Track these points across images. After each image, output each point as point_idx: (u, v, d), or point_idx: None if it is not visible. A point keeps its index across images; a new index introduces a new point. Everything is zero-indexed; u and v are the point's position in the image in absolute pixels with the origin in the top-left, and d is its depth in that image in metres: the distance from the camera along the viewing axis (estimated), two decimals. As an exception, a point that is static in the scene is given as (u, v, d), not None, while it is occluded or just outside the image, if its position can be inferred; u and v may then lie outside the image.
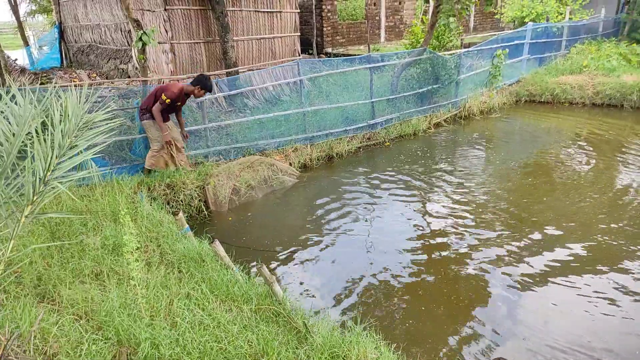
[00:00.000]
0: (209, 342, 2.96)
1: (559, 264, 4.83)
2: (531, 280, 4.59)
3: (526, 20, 14.94)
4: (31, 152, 2.83)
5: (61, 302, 3.45)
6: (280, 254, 5.33)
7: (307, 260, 5.22)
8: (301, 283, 4.75)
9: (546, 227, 5.62)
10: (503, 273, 4.73)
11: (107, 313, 3.20)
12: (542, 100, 11.96)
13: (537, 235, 5.46)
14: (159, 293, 3.56)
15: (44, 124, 3.37)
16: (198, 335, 3.03)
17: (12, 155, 2.91)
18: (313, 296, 4.53)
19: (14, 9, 16.29)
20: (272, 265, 5.07)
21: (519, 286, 4.52)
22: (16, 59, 12.85)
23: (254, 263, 5.02)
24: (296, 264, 5.13)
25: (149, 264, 4.11)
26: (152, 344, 2.89)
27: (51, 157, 2.90)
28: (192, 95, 6.38)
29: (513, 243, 5.30)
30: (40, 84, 9.09)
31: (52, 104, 3.45)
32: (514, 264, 4.88)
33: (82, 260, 4.01)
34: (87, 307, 3.34)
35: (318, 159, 8.16)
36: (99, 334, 3.03)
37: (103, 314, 3.18)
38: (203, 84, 6.20)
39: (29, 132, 3.14)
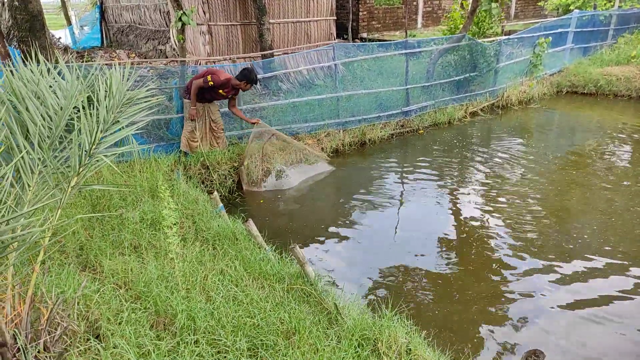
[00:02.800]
0: (242, 317, 3.03)
1: (593, 264, 4.68)
2: (564, 278, 4.48)
3: (572, 7, 14.35)
4: (78, 125, 2.92)
5: (102, 272, 3.58)
6: (310, 237, 5.37)
7: (337, 244, 5.24)
8: (330, 267, 4.78)
9: (579, 224, 5.45)
10: (535, 267, 4.63)
11: (145, 284, 3.31)
12: (585, 91, 11.50)
13: (571, 231, 5.31)
14: (194, 268, 3.65)
15: (89, 99, 3.48)
16: (232, 310, 3.10)
17: (60, 127, 3.01)
18: (342, 280, 4.55)
19: (58, -11, 16.71)
20: (302, 246, 5.11)
21: (552, 280, 4.42)
22: (60, 38, 13.24)
23: (284, 244, 5.08)
24: (326, 248, 5.16)
25: (185, 240, 4.22)
26: (188, 315, 2.97)
27: (96, 131, 2.99)
28: (243, 90, 6.46)
29: (546, 239, 5.16)
30: (83, 62, 9.34)
31: (97, 80, 3.55)
32: (547, 258, 4.76)
33: (121, 233, 4.14)
34: (127, 278, 3.46)
35: (350, 145, 8.13)
36: (137, 304, 3.14)
37: (142, 285, 3.29)
38: (248, 78, 6.25)
39: (75, 107, 3.25)
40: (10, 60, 5.58)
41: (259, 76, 8.46)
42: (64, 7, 17.13)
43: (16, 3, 5.31)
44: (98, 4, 14.73)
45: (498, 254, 4.87)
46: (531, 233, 5.25)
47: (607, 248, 4.89)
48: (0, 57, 5.66)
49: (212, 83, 6.06)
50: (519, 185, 6.59)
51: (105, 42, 14.64)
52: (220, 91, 6.29)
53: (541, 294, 4.23)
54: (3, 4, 10.61)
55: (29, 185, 2.70)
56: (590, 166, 7.17)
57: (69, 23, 16.84)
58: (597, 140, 8.41)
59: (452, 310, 4.03)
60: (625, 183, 6.49)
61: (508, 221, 5.54)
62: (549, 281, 4.40)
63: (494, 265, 4.70)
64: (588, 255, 4.77)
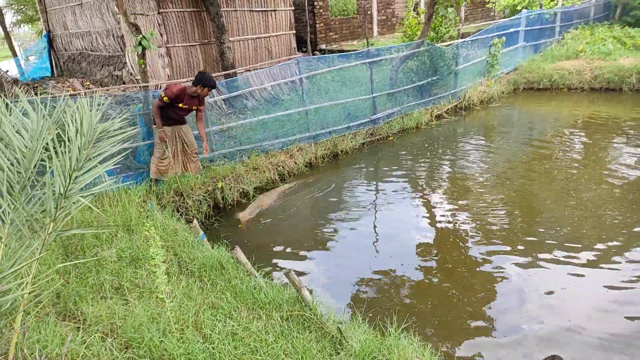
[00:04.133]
0: (245, 354, 2.87)
1: (570, 252, 4.80)
2: (548, 269, 4.55)
3: (518, 7, 14.94)
4: (49, 166, 2.70)
5: (84, 320, 3.33)
6: (294, 256, 5.24)
7: (322, 261, 5.14)
8: (318, 285, 4.66)
9: (548, 214, 5.62)
10: (519, 265, 4.68)
11: (135, 329, 3.09)
12: (541, 87, 11.95)
13: (541, 221, 5.44)
14: (183, 305, 3.45)
15: (58, 136, 3.25)
16: (232, 347, 2.93)
17: (30, 170, 2.78)
18: (333, 298, 4.44)
19: (0, 19, 15.98)
20: (286, 267, 4.97)
21: (525, 270, 4.50)
22: (7, 70, 12.60)
23: (269, 267, 4.94)
24: (310, 266, 5.05)
25: (169, 275, 4.00)
26: (187, 359, 2.78)
27: (70, 171, 2.78)
28: (202, 97, 6.12)
29: (515, 231, 5.30)
30: (37, 94, 8.89)
31: (64, 115, 3.32)
32: (528, 254, 4.83)
33: (100, 275, 3.89)
34: (113, 324, 3.23)
35: (323, 157, 8.07)
36: (129, 352, 2.92)
37: (131, 330, 3.07)
38: (203, 82, 5.90)
39: (43, 146, 3.02)
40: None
41: (222, 96, 8.30)
42: (7, 38, 16.35)
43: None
44: (45, 32, 14.15)
45: (472, 253, 4.96)
46: (504, 229, 5.39)
47: (577, 239, 5.05)
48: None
49: (166, 99, 5.81)
50: (487, 182, 6.77)
51: (55, 71, 14.05)
52: (180, 105, 5.97)
53: (513, 287, 4.28)
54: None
55: (0, 237, 2.47)
56: (550, 157, 7.43)
57: (15, 54, 16.08)
58: (555, 132, 8.72)
59: (449, 316, 3.99)
60: (584, 169, 6.75)
61: (479, 218, 5.69)
62: (519, 272, 4.52)
63: (472, 265, 4.76)
64: (563, 244, 4.94)
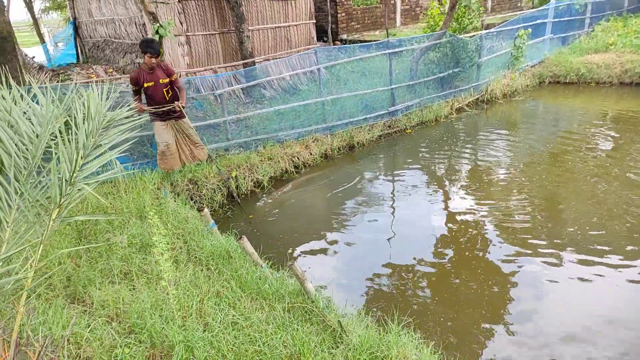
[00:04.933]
0: (243, 344, 2.89)
1: (589, 253, 4.64)
2: (560, 271, 4.42)
3: (547, -2, 14.43)
4: (56, 153, 2.75)
5: (92, 304, 3.40)
6: (305, 247, 5.24)
7: (332, 253, 5.12)
8: (327, 277, 4.65)
9: (570, 213, 5.43)
10: (536, 264, 4.56)
11: (138, 315, 3.14)
12: (567, 81, 11.57)
13: (563, 222, 5.27)
14: (188, 292, 3.49)
15: (66, 123, 3.30)
16: (232, 337, 2.95)
17: (37, 157, 2.84)
18: (341, 291, 4.43)
19: (29, 6, 16.35)
20: (298, 260, 4.98)
21: (556, 279, 4.35)
22: (34, 57, 12.90)
23: (279, 258, 4.94)
24: (321, 258, 5.04)
25: (177, 262, 4.05)
26: (186, 346, 2.82)
27: (76, 158, 2.82)
28: (157, 67, 5.67)
29: (539, 231, 5.12)
30: (59, 81, 9.08)
31: (74, 102, 3.37)
32: (547, 254, 4.70)
33: (110, 260, 3.97)
34: (118, 309, 3.29)
35: (339, 149, 8.02)
36: (131, 337, 2.97)
37: (135, 316, 3.13)
38: (142, 49, 5.50)
39: (52, 133, 3.07)
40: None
41: (241, 85, 8.33)
42: (36, 24, 16.74)
43: (-16, 25, 5.10)
44: (71, 19, 14.41)
45: (493, 251, 4.83)
46: (524, 226, 5.23)
47: (599, 238, 4.87)
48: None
49: (131, 86, 5.62)
50: (508, 178, 6.57)
51: (81, 58, 14.32)
52: (146, 85, 5.61)
53: (534, 287, 4.17)
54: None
55: (6, 222, 2.53)
56: (577, 154, 7.17)
57: (42, 41, 16.46)
58: (581, 128, 8.43)
59: (454, 315, 3.93)
60: (611, 168, 6.49)
61: (499, 214, 5.52)
62: (541, 273, 4.35)
63: (489, 263, 4.63)
64: (582, 247, 4.75)
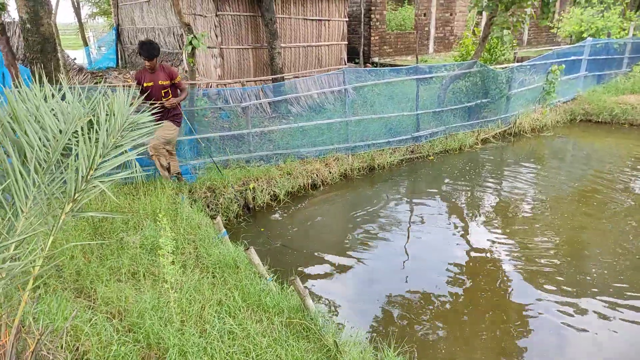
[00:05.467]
0: (236, 354, 2.89)
1: (611, 303, 4.45)
2: (579, 316, 4.26)
3: (585, 35, 14.26)
4: (76, 149, 2.86)
5: (96, 299, 3.48)
6: (314, 265, 5.23)
7: (341, 274, 5.09)
8: (333, 297, 4.62)
9: (594, 257, 5.24)
10: (549, 304, 4.41)
11: (139, 314, 3.19)
12: (600, 120, 11.32)
13: (586, 265, 5.10)
14: (191, 297, 3.53)
15: (90, 122, 3.43)
16: (226, 346, 2.96)
17: (58, 152, 2.95)
18: (345, 311, 4.40)
19: (77, 11, 17.15)
20: (304, 277, 4.97)
21: (569, 319, 4.20)
22: (75, 58, 13.47)
23: (285, 273, 4.94)
24: (329, 277, 5.02)
25: (185, 266, 4.11)
26: (180, 350, 2.84)
27: (94, 156, 2.92)
28: (158, 69, 5.66)
29: (560, 272, 4.95)
30: (95, 83, 9.45)
31: (100, 103, 3.51)
32: (561, 293, 4.55)
33: (120, 259, 4.05)
34: (121, 307, 3.35)
35: (359, 170, 8.03)
36: (129, 336, 3.02)
37: (135, 315, 3.18)
38: (140, 52, 5.52)
39: (75, 131, 3.20)
40: (19, 81, 5.64)
41: (268, 99, 8.48)
42: (81, 28, 17.54)
43: (28, 25, 5.38)
44: (115, 25, 15.04)
45: (509, 289, 4.67)
46: (544, 265, 5.05)
47: (624, 284, 4.66)
48: (11, 78, 5.71)
49: (136, 85, 5.51)
50: (532, 214, 6.40)
51: (120, 63, 14.88)
52: (145, 84, 5.59)
53: (555, 334, 4.01)
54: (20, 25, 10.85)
55: (22, 210, 2.63)
56: (605, 196, 6.95)
57: (86, 44, 17.20)
58: (612, 169, 8.20)
59: (459, 351, 3.84)
60: (642, 216, 6.27)
61: (520, 252, 5.35)
62: (562, 320, 4.18)
63: (504, 299, 4.50)
64: (604, 292, 4.54)
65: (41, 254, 2.56)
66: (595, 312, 4.28)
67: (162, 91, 5.73)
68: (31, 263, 2.54)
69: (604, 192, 7.09)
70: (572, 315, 4.23)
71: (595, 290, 4.60)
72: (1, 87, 4.30)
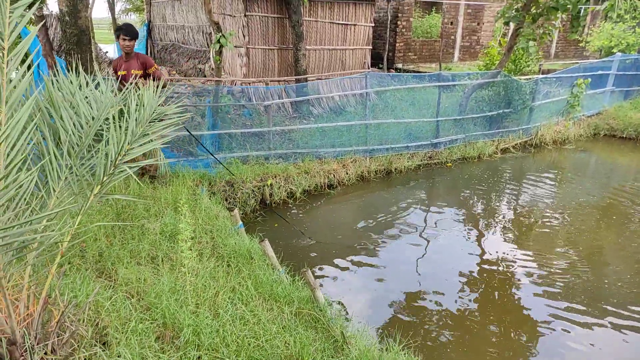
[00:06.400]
0: (247, 338, 3.02)
1: (627, 319, 4.43)
2: (592, 331, 4.26)
3: (615, 50, 14.06)
4: (107, 136, 3.03)
5: (117, 280, 3.65)
6: (327, 262, 5.34)
7: (353, 273, 5.18)
8: (343, 294, 4.72)
9: (612, 273, 5.21)
10: (562, 318, 4.42)
11: (156, 295, 3.34)
12: (624, 135, 11.14)
13: (602, 280, 5.08)
14: (206, 283, 3.67)
15: (121, 111, 3.62)
16: (238, 329, 3.09)
17: (90, 137, 3.14)
18: (354, 308, 4.49)
19: (111, 6, 17.68)
20: (317, 273, 5.09)
21: (579, 330, 4.21)
22: (107, 52, 13.89)
23: (298, 267, 5.06)
24: (341, 275, 5.11)
25: (201, 255, 4.26)
26: (194, 330, 2.98)
27: (124, 143, 3.10)
28: (134, 55, 5.55)
29: (576, 287, 4.93)
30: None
31: (131, 93, 3.70)
32: (575, 309, 4.55)
33: (140, 243, 4.23)
34: (140, 288, 3.51)
35: (376, 172, 8.11)
36: (146, 314, 3.18)
37: (153, 296, 3.33)
38: (116, 32, 5.43)
39: (107, 118, 3.39)
40: (56, 70, 5.91)
41: (290, 99, 8.63)
42: (114, 23, 18.05)
43: (67, 18, 5.65)
44: (146, 22, 15.45)
45: (522, 300, 4.69)
46: (559, 279, 5.03)
47: None
48: (47, 67, 5.99)
49: (113, 74, 5.31)
50: (549, 226, 6.38)
51: (149, 58, 15.27)
52: (120, 73, 5.44)
53: (565, 350, 4.03)
54: (58, 19, 11.27)
55: (54, 189, 2.81)
56: (627, 212, 6.88)
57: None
58: (635, 185, 8.09)
59: (464, 353, 3.89)
60: (661, 233, 6.19)
61: (535, 264, 5.35)
62: (576, 334, 4.19)
63: (516, 311, 4.53)
64: (621, 309, 4.51)
65: (69, 231, 2.73)
66: (609, 328, 4.26)
67: (133, 80, 5.16)
68: (60, 237, 2.72)
69: (624, 208, 7.02)
70: (585, 331, 4.22)
71: (611, 307, 4.57)
72: (40, 74, 4.55)
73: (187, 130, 6.09)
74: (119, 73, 5.46)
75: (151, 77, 5.46)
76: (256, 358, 2.88)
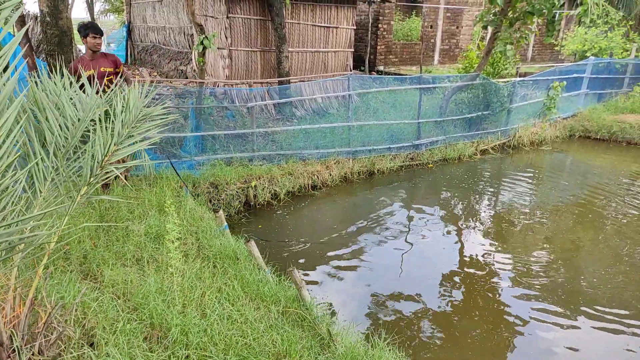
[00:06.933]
0: (235, 336, 3.05)
1: (602, 316, 4.58)
2: (567, 328, 4.42)
3: (588, 54, 14.49)
4: (93, 137, 3.04)
5: (103, 281, 3.64)
6: (311, 264, 5.40)
7: (337, 273, 5.25)
8: (328, 294, 4.78)
9: (587, 271, 5.40)
10: (539, 315, 4.57)
11: (143, 296, 3.35)
12: (598, 137, 11.51)
13: (578, 278, 5.26)
14: (193, 284, 3.69)
15: (106, 112, 3.62)
16: (225, 328, 3.12)
17: (76, 138, 3.14)
18: (339, 308, 4.55)
19: (90, 7, 17.42)
20: (302, 273, 5.14)
21: (558, 330, 4.36)
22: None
23: (283, 268, 5.11)
24: (326, 276, 5.18)
25: (187, 256, 4.27)
26: (181, 330, 3.00)
27: (110, 144, 3.11)
28: (98, 51, 5.26)
29: (553, 285, 5.11)
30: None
31: (115, 95, 3.70)
32: (552, 306, 4.71)
33: (125, 245, 4.22)
34: (126, 289, 3.51)
35: (359, 174, 8.21)
36: (134, 315, 3.19)
37: (140, 297, 3.34)
38: (82, 32, 5.12)
39: (92, 119, 3.39)
40: (37, 72, 5.83)
41: (273, 101, 8.67)
42: (93, 24, 17.84)
43: (48, 19, 5.59)
44: (126, 23, 15.29)
45: (501, 297, 4.82)
46: (537, 277, 5.19)
47: (616, 298, 4.82)
48: (27, 69, 5.91)
49: (73, 78, 4.02)
50: (529, 228, 6.56)
51: (129, 59, 15.10)
52: (87, 72, 4.73)
53: (543, 349, 4.17)
54: (36, 19, 11.08)
55: (40, 191, 2.81)
56: (603, 211, 7.12)
57: (97, 39, 17.45)
58: (609, 185, 8.37)
59: (448, 350, 4.00)
60: (636, 229, 6.42)
61: (514, 263, 5.51)
62: (554, 335, 4.33)
63: (495, 308, 4.66)
64: (596, 306, 4.66)
65: (56, 232, 2.73)
66: (586, 329, 4.39)
67: (106, 79, 5.12)
68: (47, 238, 2.72)
69: (599, 207, 7.26)
70: (564, 332, 4.33)
71: (587, 305, 4.71)
72: (23, 75, 4.50)
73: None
74: (87, 73, 4.72)
75: (120, 75, 5.24)
76: (244, 356, 2.92)
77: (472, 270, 5.36)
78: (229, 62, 10.18)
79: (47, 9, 5.59)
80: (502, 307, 4.65)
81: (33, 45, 10.00)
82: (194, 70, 10.74)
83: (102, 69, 5.21)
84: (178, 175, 6.02)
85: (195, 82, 8.27)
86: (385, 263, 5.51)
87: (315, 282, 5.01)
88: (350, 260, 5.49)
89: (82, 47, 15.83)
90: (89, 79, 4.63)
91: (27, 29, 6.54)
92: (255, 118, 7.68)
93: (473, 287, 5.01)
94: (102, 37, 5.22)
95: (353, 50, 12.55)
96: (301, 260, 5.43)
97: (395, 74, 14.24)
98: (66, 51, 5.77)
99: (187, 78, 11.07)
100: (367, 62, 15.14)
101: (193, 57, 10.76)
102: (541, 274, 5.28)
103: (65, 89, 3.51)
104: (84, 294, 3.16)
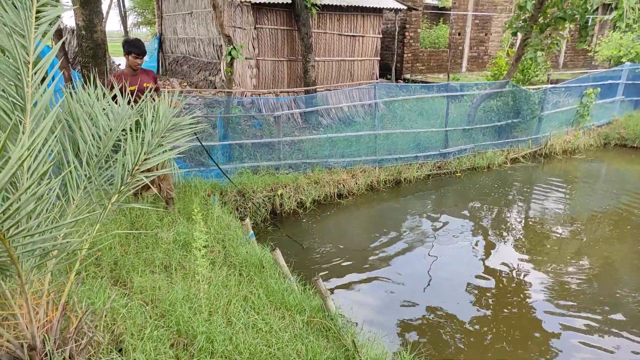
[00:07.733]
0: (260, 345, 3.05)
1: (635, 331, 4.41)
2: (603, 343, 4.24)
3: (623, 60, 14.03)
4: (124, 146, 3.12)
5: (132, 288, 3.71)
6: (336, 273, 5.37)
7: (362, 282, 5.20)
8: (354, 304, 4.73)
9: (624, 284, 5.18)
10: (573, 329, 4.40)
11: (170, 303, 3.40)
12: (635, 145, 11.09)
13: (614, 292, 5.05)
14: (219, 291, 3.72)
15: (137, 122, 3.71)
16: (250, 337, 3.13)
17: (108, 147, 3.23)
18: (364, 318, 4.50)
19: (123, 20, 18.02)
20: (326, 281, 5.12)
21: (592, 345, 4.19)
22: (119, 64, 14.14)
23: (308, 277, 5.09)
24: (351, 286, 5.14)
25: (213, 263, 4.31)
26: (207, 338, 3.03)
27: (140, 153, 3.18)
28: (140, 70, 5.26)
29: (587, 298, 4.91)
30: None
31: (146, 105, 3.79)
32: (587, 320, 4.53)
33: (154, 252, 4.30)
34: (154, 295, 3.57)
35: (385, 182, 8.15)
36: (161, 321, 3.23)
37: (167, 304, 3.39)
38: (125, 48, 5.13)
39: (124, 129, 3.48)
40: (72, 83, 6.05)
41: (299, 110, 8.73)
42: (126, 36, 18.38)
43: (83, 32, 5.81)
44: (158, 35, 15.73)
45: (533, 311, 4.67)
46: (571, 291, 5.01)
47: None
48: (63, 80, 6.14)
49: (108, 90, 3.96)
50: (560, 237, 6.36)
51: (160, 70, 15.51)
52: (129, 88, 4.52)
53: (575, 348, 4.01)
54: (73, 32, 11.52)
55: (73, 198, 2.89)
56: (638, 221, 6.83)
57: (130, 51, 18.03)
58: (645, 196, 8.04)
59: (477, 361, 3.89)
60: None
61: (546, 275, 5.33)
62: (588, 350, 4.16)
63: (527, 322, 4.52)
64: (634, 323, 4.47)
65: (88, 239, 2.80)
66: (624, 348, 4.22)
67: (149, 94, 4.66)
68: (79, 245, 2.79)
69: (637, 218, 6.97)
70: (601, 352, 4.17)
71: (622, 319, 4.53)
72: (59, 86, 4.67)
73: (199, 141, 6.22)
74: (130, 88, 4.71)
75: (156, 89, 5.31)
76: (269, 365, 2.92)
77: (502, 283, 5.21)
78: (256, 71, 10.32)
79: (83, 23, 5.81)
80: (534, 323, 4.50)
81: (69, 58, 10.39)
82: (223, 80, 10.93)
83: (145, 85, 5.22)
84: (230, 180, 6.23)
85: (224, 92, 8.41)
86: (411, 273, 5.43)
87: (339, 290, 4.97)
88: (375, 270, 5.43)
89: (115, 59, 16.36)
90: (132, 92, 4.56)
91: (64, 42, 6.80)
92: (281, 127, 7.74)
93: (504, 301, 4.87)
94: (144, 58, 5.23)
95: (379, 58, 12.53)
96: (326, 269, 5.40)
97: (422, 82, 14.13)
98: (100, 63, 5.97)
99: (215, 88, 11.28)
100: (393, 70, 15.08)
101: (221, 68, 10.97)
102: (576, 287, 5.09)
103: (98, 99, 3.62)
104: (114, 300, 3.23)
